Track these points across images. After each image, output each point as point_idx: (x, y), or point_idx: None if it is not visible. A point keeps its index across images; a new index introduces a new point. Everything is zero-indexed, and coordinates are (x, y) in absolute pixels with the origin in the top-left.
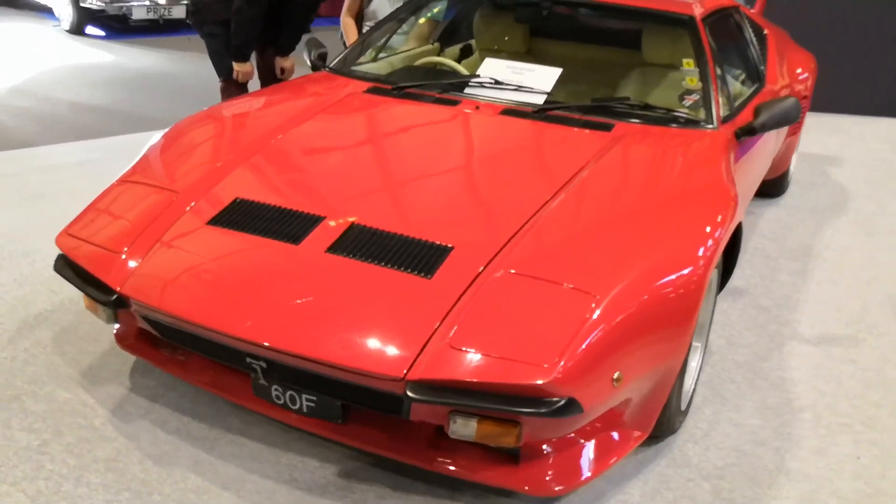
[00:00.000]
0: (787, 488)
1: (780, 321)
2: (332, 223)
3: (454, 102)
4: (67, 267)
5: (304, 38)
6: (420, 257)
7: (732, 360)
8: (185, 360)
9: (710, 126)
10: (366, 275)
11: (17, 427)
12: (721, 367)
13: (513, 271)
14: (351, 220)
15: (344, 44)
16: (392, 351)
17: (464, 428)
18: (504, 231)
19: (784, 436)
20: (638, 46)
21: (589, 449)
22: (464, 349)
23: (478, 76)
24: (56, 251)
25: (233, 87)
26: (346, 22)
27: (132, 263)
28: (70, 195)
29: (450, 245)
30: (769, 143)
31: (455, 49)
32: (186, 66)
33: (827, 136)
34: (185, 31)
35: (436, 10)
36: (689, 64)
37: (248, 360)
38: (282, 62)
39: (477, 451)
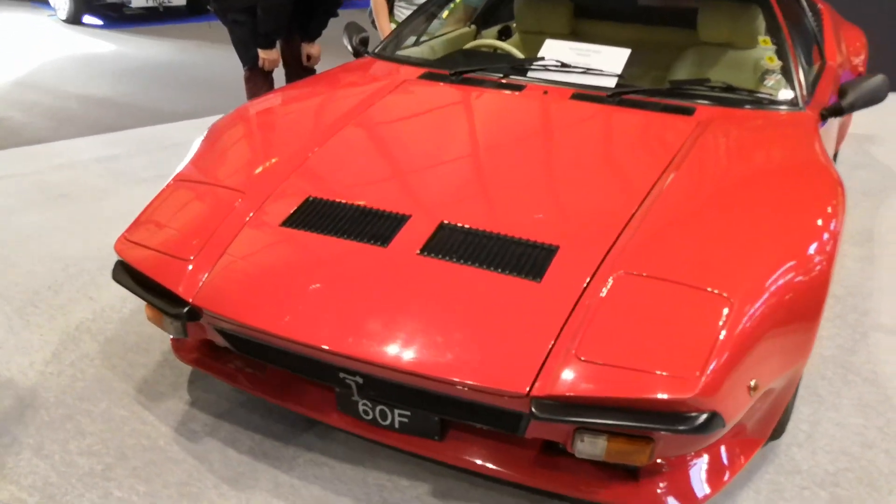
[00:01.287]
0: None
1: (858, 311)
2: (420, 222)
3: (519, 87)
4: (127, 275)
5: (332, 21)
6: (524, 258)
7: (819, 355)
8: (255, 373)
9: (797, 108)
10: (467, 279)
11: (76, 451)
12: (810, 362)
13: (632, 272)
14: (440, 218)
15: (374, 25)
16: (511, 364)
17: (592, 447)
18: (610, 227)
19: (892, 436)
20: (690, 25)
21: (713, 461)
22: (593, 361)
23: (542, 59)
24: (89, 255)
25: (258, 77)
26: (377, 2)
27: (203, 271)
28: (93, 194)
29: (555, 244)
30: (834, 124)
31: (493, 31)
32: (194, 56)
33: (863, 114)
34: (184, 20)
35: None
36: (765, 42)
37: (342, 375)
38: (308, 49)
39: (589, 467)
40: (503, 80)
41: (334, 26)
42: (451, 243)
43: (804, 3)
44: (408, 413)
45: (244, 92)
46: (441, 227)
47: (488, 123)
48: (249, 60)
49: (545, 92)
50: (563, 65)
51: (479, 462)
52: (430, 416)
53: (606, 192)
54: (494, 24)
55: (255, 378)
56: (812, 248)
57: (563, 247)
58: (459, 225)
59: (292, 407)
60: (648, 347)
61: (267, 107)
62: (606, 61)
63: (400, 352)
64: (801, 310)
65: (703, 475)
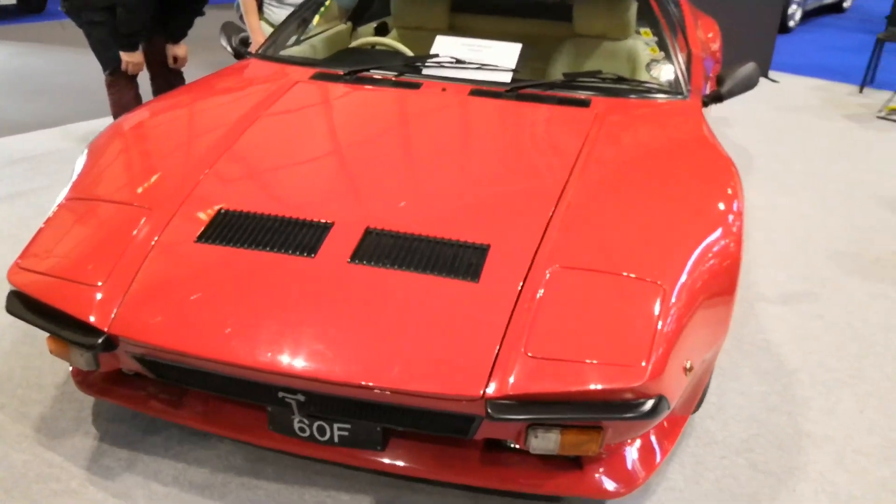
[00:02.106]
0: (814, 452)
1: (741, 285)
2: (345, 229)
3: (415, 86)
4: (24, 306)
5: (198, 21)
6: (457, 259)
7: None
8: (171, 398)
9: (682, 96)
10: (404, 284)
11: None
12: None
13: (567, 265)
14: (364, 223)
15: (243, 21)
16: (462, 368)
17: (545, 441)
18: (535, 222)
19: (790, 399)
20: (565, 18)
21: (645, 442)
22: (543, 357)
23: (437, 55)
24: None
25: (121, 81)
26: (247, 1)
27: (115, 297)
28: None
29: (485, 243)
30: None
31: (370, 28)
32: (35, 60)
33: None
34: (15, 20)
35: None
36: (646, 34)
37: (282, 394)
38: (174, 50)
39: (532, 460)
40: (398, 79)
41: (200, 26)
42: (381, 249)
43: None
44: (348, 426)
45: (99, 98)
46: (367, 232)
47: (393, 123)
48: (111, 64)
49: (443, 89)
50: (458, 61)
51: (423, 468)
52: (372, 427)
53: (524, 187)
54: (369, 20)
55: (173, 403)
56: (722, 229)
57: (493, 245)
58: (386, 230)
59: (218, 431)
60: (594, 339)
61: (154, 116)
62: (499, 56)
63: (346, 365)
64: (720, 288)
65: (638, 456)
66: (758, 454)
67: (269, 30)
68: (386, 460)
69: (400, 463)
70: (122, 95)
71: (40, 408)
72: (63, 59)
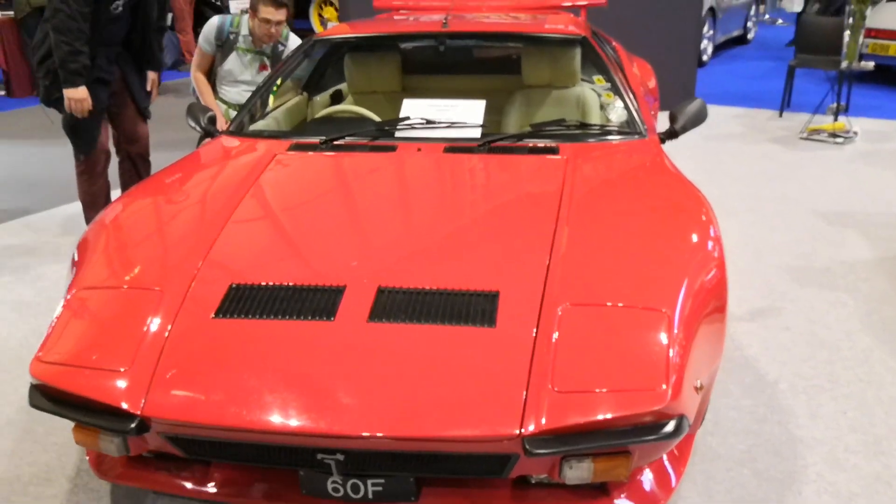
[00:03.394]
0: (809, 455)
1: None
2: (358, 291)
3: (391, 148)
4: (48, 399)
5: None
6: (471, 307)
7: None
8: (195, 475)
9: (641, 135)
10: (424, 336)
11: None
12: None
13: (576, 303)
14: (375, 283)
15: (197, 99)
16: (496, 410)
17: (580, 471)
18: (535, 266)
19: (777, 409)
20: (512, 71)
21: (661, 464)
22: (570, 391)
23: (407, 118)
24: None
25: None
26: (198, 77)
27: (143, 380)
28: None
29: (493, 290)
30: None
31: (325, 96)
32: None
33: None
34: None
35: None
36: (599, 81)
37: (320, 456)
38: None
39: (559, 493)
40: (373, 143)
41: (160, 106)
42: (396, 306)
43: (606, 42)
44: (382, 481)
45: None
46: (380, 291)
47: (380, 185)
48: (86, 145)
49: (419, 149)
50: (428, 121)
51: None
52: (406, 479)
53: (517, 234)
54: (322, 90)
55: (198, 480)
56: (705, 254)
57: (502, 291)
58: (396, 287)
59: (249, 502)
60: (614, 368)
61: (143, 200)
62: (466, 113)
63: (383, 420)
64: (713, 308)
65: (665, 472)
66: (759, 463)
67: (224, 108)
68: None
69: None
70: (93, 183)
71: (56, 502)
72: (13, 151)
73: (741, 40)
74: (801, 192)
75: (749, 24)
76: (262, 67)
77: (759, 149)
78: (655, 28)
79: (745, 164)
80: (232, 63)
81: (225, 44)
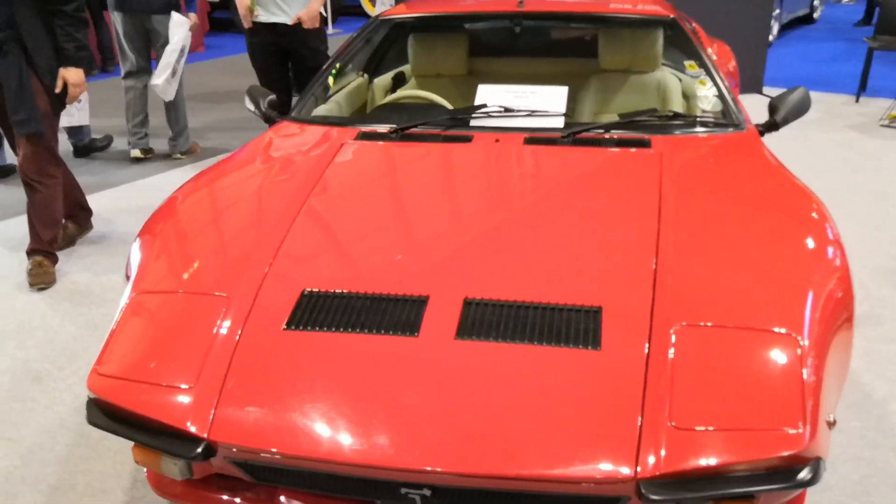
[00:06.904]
0: None
1: None
2: (442, 302)
3: (466, 139)
4: (106, 416)
5: (209, 77)
6: (570, 325)
7: None
8: (259, 498)
9: (737, 127)
10: (520, 359)
11: None
12: None
13: (692, 323)
14: (461, 294)
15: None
16: (607, 447)
17: None
18: (640, 277)
19: (890, 433)
20: (587, 54)
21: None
22: (692, 428)
23: (484, 105)
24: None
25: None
26: None
27: (209, 400)
28: None
29: (595, 305)
30: None
31: (387, 79)
32: None
33: None
34: None
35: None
36: (692, 66)
37: (405, 490)
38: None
39: None
40: (448, 133)
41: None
42: (486, 321)
43: (688, 23)
44: None
45: None
46: (467, 303)
47: (458, 181)
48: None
49: (497, 140)
50: (507, 110)
51: None
52: None
53: (616, 238)
54: (384, 71)
55: (264, 502)
56: (828, 261)
57: (605, 306)
58: (485, 299)
59: None
60: (741, 403)
61: (204, 192)
62: (547, 101)
63: (479, 454)
64: (842, 324)
65: None
66: (874, 497)
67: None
68: None
69: None
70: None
71: None
72: None
73: (806, 20)
74: (888, 184)
75: (816, 2)
76: None
77: (838, 136)
78: (722, 6)
79: (823, 153)
80: None
81: None
